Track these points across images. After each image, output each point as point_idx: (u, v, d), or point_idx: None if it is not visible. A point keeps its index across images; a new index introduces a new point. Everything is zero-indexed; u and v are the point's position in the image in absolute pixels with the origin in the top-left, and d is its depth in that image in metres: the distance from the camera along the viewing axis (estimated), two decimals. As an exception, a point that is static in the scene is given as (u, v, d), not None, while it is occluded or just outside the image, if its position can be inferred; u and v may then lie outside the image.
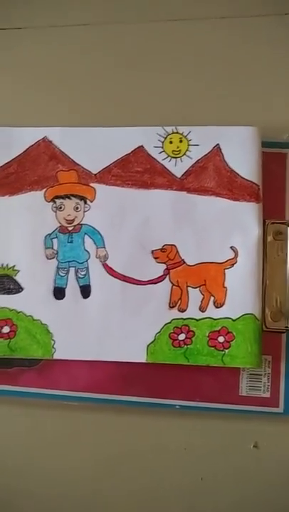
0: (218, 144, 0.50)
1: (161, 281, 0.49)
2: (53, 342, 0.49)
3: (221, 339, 0.47)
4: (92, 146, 0.51)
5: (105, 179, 0.50)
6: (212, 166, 0.50)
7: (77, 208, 0.50)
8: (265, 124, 0.49)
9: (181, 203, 0.49)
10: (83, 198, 0.50)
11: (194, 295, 0.48)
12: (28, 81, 0.54)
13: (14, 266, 0.50)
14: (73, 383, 0.48)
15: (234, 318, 0.48)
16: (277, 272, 0.48)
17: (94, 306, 0.49)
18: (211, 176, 0.49)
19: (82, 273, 0.50)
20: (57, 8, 0.55)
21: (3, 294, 0.50)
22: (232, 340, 0.47)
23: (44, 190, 0.51)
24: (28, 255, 0.50)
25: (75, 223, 0.50)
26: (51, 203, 0.51)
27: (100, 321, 0.49)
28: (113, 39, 0.54)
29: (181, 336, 0.48)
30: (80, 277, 0.50)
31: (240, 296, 0.48)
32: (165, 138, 0.50)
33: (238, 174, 0.49)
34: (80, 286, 0.49)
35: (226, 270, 0.48)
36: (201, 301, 0.48)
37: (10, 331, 0.49)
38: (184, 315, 0.48)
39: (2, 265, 0.50)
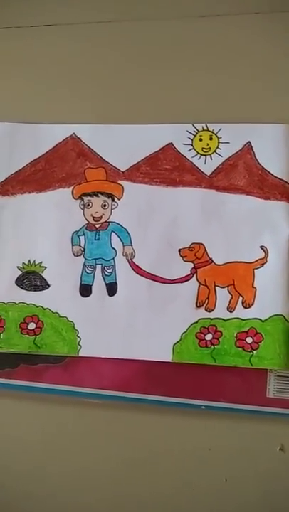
0: (249, 142, 0.49)
1: (188, 280, 0.48)
2: (78, 339, 0.49)
3: (249, 340, 0.47)
4: (121, 144, 0.51)
5: (133, 176, 0.50)
6: (243, 163, 0.49)
7: (104, 205, 0.50)
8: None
9: (210, 201, 0.49)
10: (111, 196, 0.50)
11: (222, 295, 0.48)
12: (57, 78, 0.54)
13: (41, 262, 0.50)
14: (98, 381, 0.48)
15: (263, 319, 0.47)
16: (308, 273, 0.48)
17: (120, 303, 0.49)
18: (241, 174, 0.49)
19: (109, 270, 0.49)
20: (86, 5, 0.55)
21: (30, 290, 0.50)
22: (260, 341, 0.47)
23: (72, 187, 0.51)
24: (55, 252, 0.50)
25: (102, 221, 0.50)
26: (79, 201, 0.51)
27: (125, 318, 0.48)
28: (143, 36, 0.53)
29: (208, 336, 0.47)
30: (106, 275, 0.49)
31: (270, 296, 0.47)
32: (195, 135, 0.50)
33: (270, 172, 0.49)
34: (107, 284, 0.49)
35: (255, 270, 0.48)
36: (229, 301, 0.48)
37: (36, 328, 0.49)
38: (212, 315, 0.48)
39: (29, 262, 0.50)
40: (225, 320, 0.47)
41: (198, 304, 0.48)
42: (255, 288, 0.47)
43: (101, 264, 0.50)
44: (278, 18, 0.52)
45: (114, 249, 0.50)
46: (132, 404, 0.48)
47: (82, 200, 0.51)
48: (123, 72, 0.53)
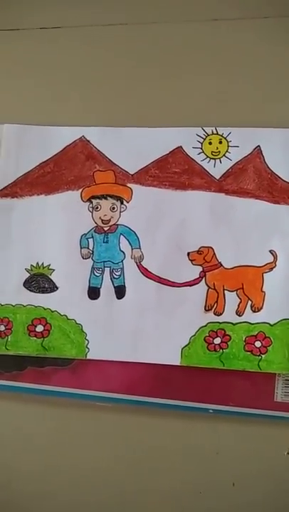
0: (258, 146, 0.49)
1: (197, 283, 0.48)
2: (86, 342, 0.49)
3: (257, 344, 0.47)
4: (130, 147, 0.51)
5: (142, 180, 0.50)
6: (252, 167, 0.49)
7: (113, 208, 0.50)
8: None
9: (220, 205, 0.49)
10: (120, 199, 0.50)
11: (231, 299, 0.48)
12: (66, 80, 0.54)
13: (49, 265, 0.50)
14: (106, 384, 0.48)
15: (272, 323, 0.47)
16: (317, 278, 0.48)
17: (128, 306, 0.49)
18: (250, 178, 0.49)
19: (117, 273, 0.50)
20: (96, 8, 0.55)
21: (38, 292, 0.50)
22: (269, 346, 0.47)
23: (81, 189, 0.51)
24: (63, 254, 0.50)
25: (111, 223, 0.50)
26: (87, 203, 0.51)
27: (134, 322, 0.48)
28: (154, 39, 0.53)
29: (217, 340, 0.47)
30: (114, 277, 0.49)
31: (279, 301, 0.47)
32: (204, 139, 0.50)
33: (279, 177, 0.49)
34: (115, 287, 0.49)
35: (264, 274, 0.48)
36: (238, 305, 0.48)
37: (44, 330, 0.49)
38: (220, 319, 0.48)
39: (37, 264, 0.50)
40: (234, 324, 0.48)
41: (206, 308, 0.48)
42: (264, 292, 0.47)
43: (109, 267, 0.50)
44: (287, 22, 0.52)
45: (123, 252, 0.50)
46: (139, 407, 0.48)
47: (91, 202, 0.51)
48: (133, 75, 0.53)
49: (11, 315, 0.50)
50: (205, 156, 0.50)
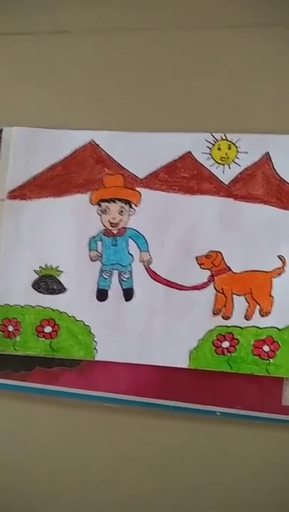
0: (267, 152, 0.50)
1: (205, 287, 0.49)
2: (94, 343, 0.49)
3: (265, 348, 0.47)
4: (140, 151, 0.51)
5: (151, 184, 0.51)
6: (261, 173, 0.49)
7: (122, 211, 0.51)
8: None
9: (228, 210, 0.49)
10: (128, 202, 0.51)
11: (239, 303, 0.48)
12: (76, 84, 0.54)
13: (58, 266, 0.51)
14: (113, 385, 0.49)
15: (280, 327, 0.47)
16: None
17: (136, 309, 0.49)
18: (259, 184, 0.49)
19: (126, 276, 0.50)
20: (106, 13, 0.55)
21: (47, 293, 0.50)
22: (277, 350, 0.47)
23: (89, 193, 0.51)
24: (72, 257, 0.51)
25: (119, 227, 0.51)
26: (96, 206, 0.51)
27: (142, 324, 0.49)
28: (162, 46, 0.54)
29: (225, 344, 0.48)
30: (123, 280, 0.50)
31: (287, 305, 0.47)
32: (213, 144, 0.50)
33: (287, 182, 0.49)
34: (123, 289, 0.50)
35: (273, 279, 0.48)
36: (247, 310, 0.48)
37: (52, 331, 0.50)
38: (229, 322, 0.48)
39: (46, 265, 0.51)
40: (242, 328, 0.48)
41: (215, 312, 0.48)
42: (272, 297, 0.48)
43: (118, 270, 0.50)
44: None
45: (132, 255, 0.50)
46: (147, 409, 0.48)
47: (100, 205, 0.51)
48: (143, 80, 0.54)
49: (19, 316, 0.50)
50: (214, 162, 0.50)
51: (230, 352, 0.48)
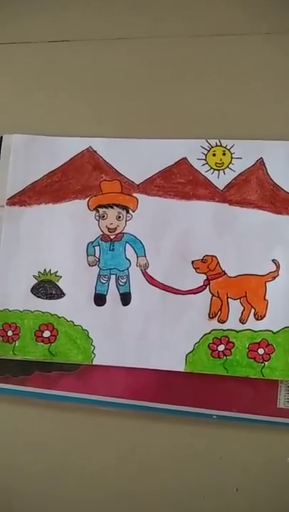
0: (261, 158, 0.50)
1: (201, 291, 0.49)
2: (92, 347, 0.50)
3: (260, 351, 0.48)
4: (136, 157, 0.52)
5: (148, 190, 0.51)
6: (255, 179, 0.50)
7: (119, 217, 0.51)
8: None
9: (223, 215, 0.50)
10: (126, 208, 0.52)
11: (235, 306, 0.49)
12: (73, 92, 0.55)
13: (57, 272, 0.51)
14: (111, 389, 0.49)
15: (274, 330, 0.48)
16: None
17: (134, 313, 0.50)
18: (253, 189, 0.50)
19: (123, 280, 0.51)
20: (103, 22, 0.56)
21: (46, 298, 0.51)
22: (272, 353, 0.48)
23: (87, 199, 0.52)
24: (70, 262, 0.51)
25: (117, 232, 0.51)
26: (94, 212, 0.52)
27: (139, 328, 0.49)
28: (158, 53, 0.55)
29: (221, 347, 0.48)
30: (120, 285, 0.50)
31: (281, 309, 0.48)
32: (208, 150, 0.51)
33: (281, 188, 0.50)
34: (121, 294, 0.50)
35: (267, 283, 0.49)
36: (242, 313, 0.49)
37: (50, 336, 0.50)
38: (224, 326, 0.49)
39: (45, 271, 0.51)
40: (237, 331, 0.48)
41: (210, 315, 0.49)
42: (266, 300, 0.48)
43: (115, 274, 0.51)
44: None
45: (129, 259, 0.51)
46: (144, 412, 0.49)
47: (98, 211, 0.52)
48: (139, 89, 0.54)
49: (18, 320, 0.51)
50: (209, 168, 0.51)
51: (225, 355, 0.48)
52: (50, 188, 0.52)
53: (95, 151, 0.53)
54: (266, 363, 0.47)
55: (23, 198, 0.53)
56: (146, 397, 0.49)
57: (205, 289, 0.49)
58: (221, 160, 0.51)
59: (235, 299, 0.49)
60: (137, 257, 0.51)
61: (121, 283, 0.51)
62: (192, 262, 0.50)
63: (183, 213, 0.50)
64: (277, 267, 0.49)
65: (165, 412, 0.48)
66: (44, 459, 0.50)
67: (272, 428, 0.48)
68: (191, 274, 0.50)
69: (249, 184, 0.50)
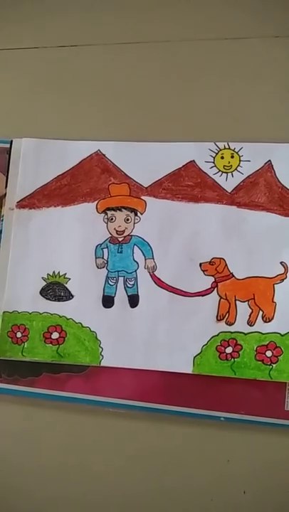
0: (269, 160, 0.50)
1: (208, 293, 0.49)
2: (100, 349, 0.50)
3: (268, 353, 0.48)
4: (145, 160, 0.52)
5: (156, 192, 0.52)
6: (263, 181, 0.50)
7: (127, 219, 0.52)
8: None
9: (231, 217, 0.50)
10: (134, 210, 0.52)
11: (243, 309, 0.49)
12: (82, 97, 0.56)
13: (65, 274, 0.52)
14: (119, 391, 0.49)
15: (283, 333, 0.48)
16: None
17: (141, 315, 0.50)
18: (261, 192, 0.50)
19: (131, 283, 0.51)
20: (111, 27, 0.57)
21: (54, 300, 0.51)
22: (280, 355, 0.48)
23: (96, 201, 0.52)
24: (79, 264, 0.52)
25: (125, 234, 0.52)
26: (103, 215, 0.52)
27: (147, 330, 0.50)
28: (167, 58, 0.55)
29: (229, 349, 0.48)
30: (128, 287, 0.51)
31: (290, 311, 0.48)
32: (217, 153, 0.51)
33: (290, 190, 0.50)
34: (129, 296, 0.51)
35: (275, 285, 0.49)
36: (250, 315, 0.49)
37: (59, 337, 0.51)
38: (232, 328, 0.49)
39: (54, 273, 0.52)
40: (245, 334, 0.48)
41: (218, 318, 0.49)
42: (275, 303, 0.48)
43: (123, 277, 0.51)
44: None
45: (137, 262, 0.51)
46: (151, 414, 0.49)
47: (106, 214, 0.52)
48: (147, 92, 0.55)
49: (27, 322, 0.51)
50: (217, 170, 0.51)
51: (233, 357, 0.48)
52: (60, 191, 0.53)
53: (104, 155, 0.53)
54: (274, 365, 0.47)
55: (32, 201, 0.53)
56: (153, 398, 0.49)
57: (213, 291, 0.49)
58: (229, 163, 0.51)
59: (243, 302, 0.49)
60: (145, 259, 0.51)
61: (129, 285, 0.51)
62: (200, 264, 0.50)
63: (191, 216, 0.51)
64: (286, 269, 0.49)
65: (173, 413, 0.49)
66: (52, 460, 0.50)
67: (280, 430, 0.47)
68: (199, 276, 0.50)
69: (257, 187, 0.50)
